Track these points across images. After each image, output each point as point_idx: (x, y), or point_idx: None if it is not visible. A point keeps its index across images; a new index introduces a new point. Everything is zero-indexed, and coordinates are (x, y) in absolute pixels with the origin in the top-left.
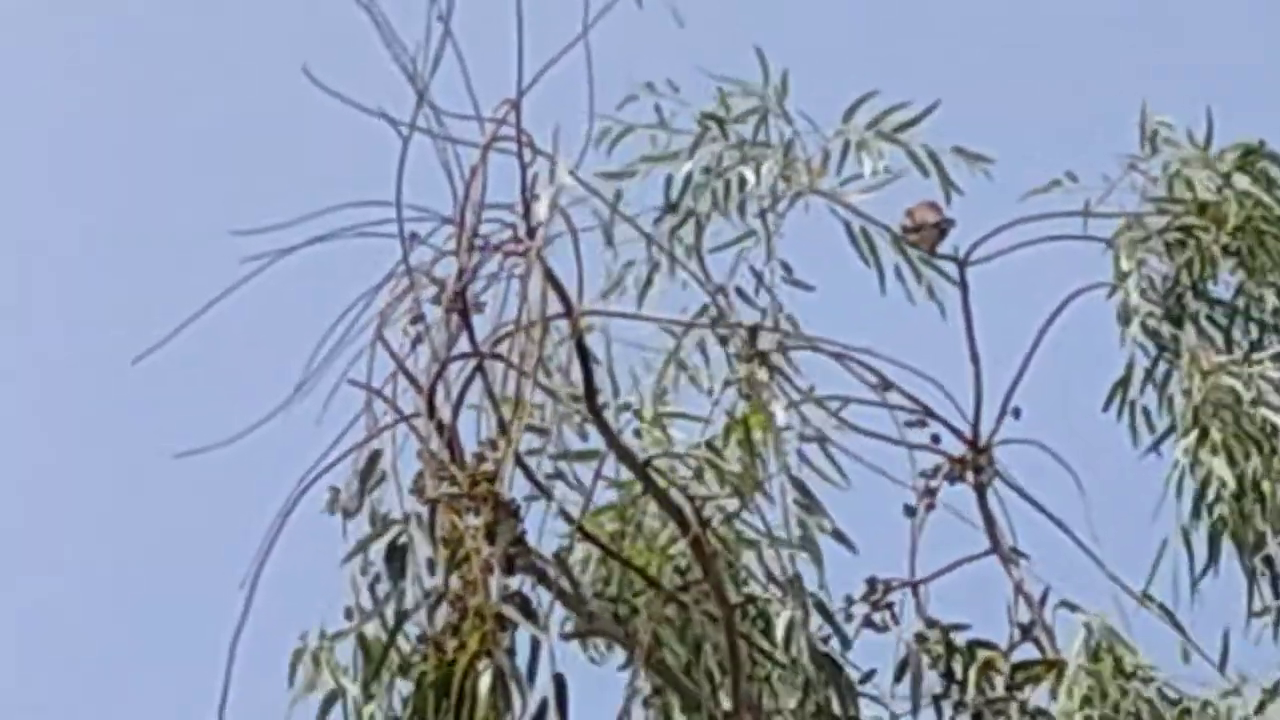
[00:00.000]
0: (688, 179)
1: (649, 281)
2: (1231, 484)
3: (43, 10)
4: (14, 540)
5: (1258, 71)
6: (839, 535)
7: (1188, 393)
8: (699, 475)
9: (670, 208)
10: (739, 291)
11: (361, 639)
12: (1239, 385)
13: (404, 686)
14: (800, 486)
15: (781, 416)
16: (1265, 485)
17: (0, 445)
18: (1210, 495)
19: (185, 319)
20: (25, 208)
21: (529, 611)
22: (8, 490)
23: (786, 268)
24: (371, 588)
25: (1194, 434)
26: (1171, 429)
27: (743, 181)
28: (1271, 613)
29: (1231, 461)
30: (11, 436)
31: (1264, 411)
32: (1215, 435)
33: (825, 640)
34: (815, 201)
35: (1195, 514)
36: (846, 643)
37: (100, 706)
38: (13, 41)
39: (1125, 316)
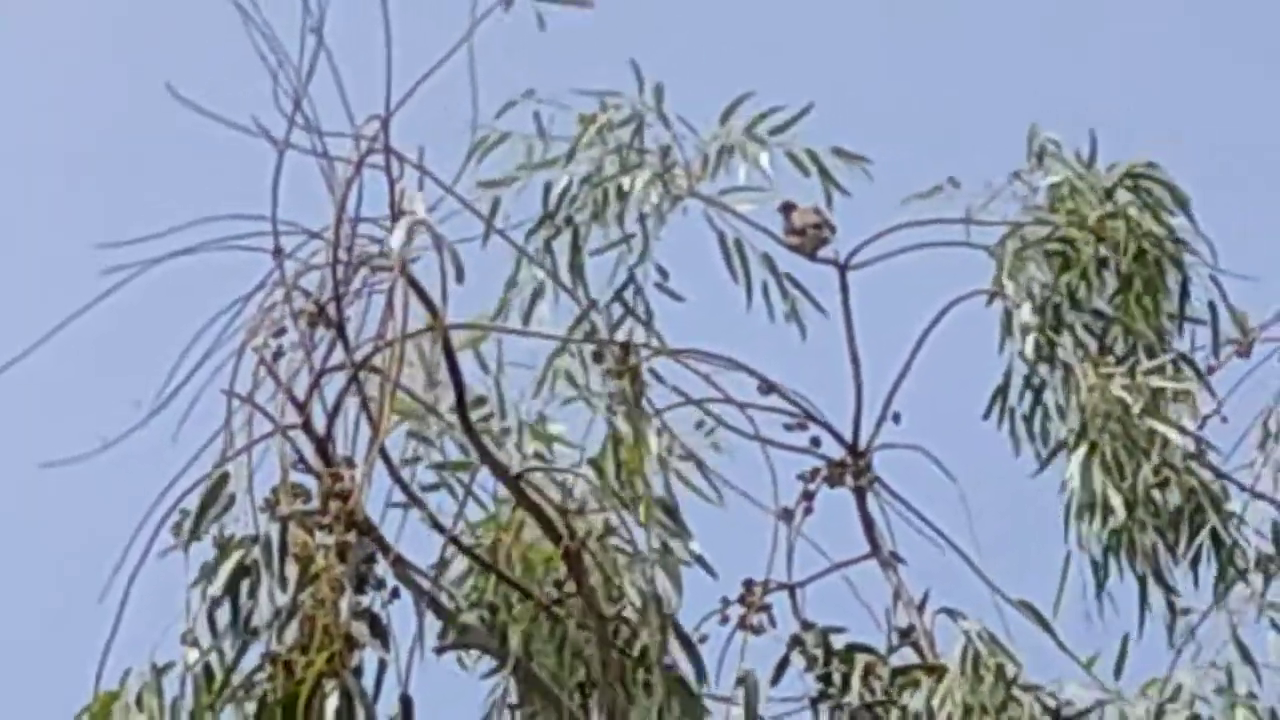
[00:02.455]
0: (566, 187)
1: (533, 302)
2: (1120, 511)
3: None
4: None
5: (1160, 92)
6: (700, 560)
7: (1082, 407)
8: (569, 492)
9: (547, 216)
10: (619, 298)
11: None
12: (1127, 395)
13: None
14: (665, 508)
15: (653, 441)
16: (1155, 495)
17: None
18: (1100, 512)
19: (49, 330)
20: None
21: (378, 630)
22: None
23: (662, 272)
24: (210, 614)
25: (1083, 449)
26: (1063, 444)
27: (620, 189)
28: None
29: (1121, 476)
30: None
31: (1151, 422)
32: (1106, 449)
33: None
34: (695, 206)
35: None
36: (701, 671)
37: None
38: None
39: (1009, 327)
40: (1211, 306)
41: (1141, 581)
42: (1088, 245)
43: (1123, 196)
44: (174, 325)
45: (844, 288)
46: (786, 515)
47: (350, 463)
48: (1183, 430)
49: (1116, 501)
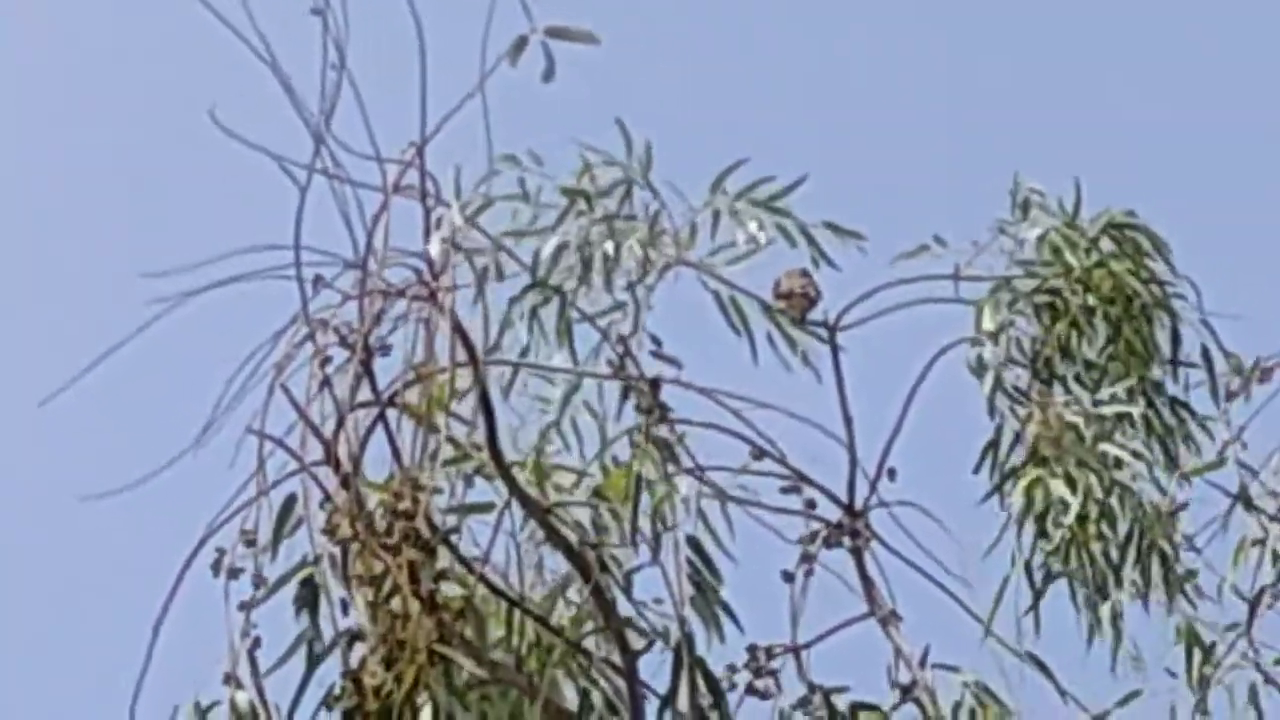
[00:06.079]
0: (554, 255)
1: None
2: (1075, 506)
3: None
4: None
5: (1134, 138)
6: (726, 609)
7: (1036, 436)
8: (596, 526)
9: (535, 284)
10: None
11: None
12: (1080, 421)
13: None
14: (697, 548)
15: (683, 484)
16: (1112, 502)
17: None
18: (1050, 520)
19: (89, 363)
20: None
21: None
22: None
23: (656, 340)
24: (251, 653)
25: (1035, 469)
26: (1014, 470)
27: (606, 256)
28: None
29: (1072, 486)
30: None
31: (1104, 445)
32: (1056, 466)
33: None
34: (685, 273)
35: (1036, 541)
36: (725, 715)
37: None
38: None
39: (979, 372)
40: (1205, 351)
41: (1088, 601)
42: (1075, 296)
43: (1107, 245)
44: (208, 358)
45: (834, 348)
46: (788, 578)
47: (414, 484)
48: (1135, 454)
49: (1071, 500)
